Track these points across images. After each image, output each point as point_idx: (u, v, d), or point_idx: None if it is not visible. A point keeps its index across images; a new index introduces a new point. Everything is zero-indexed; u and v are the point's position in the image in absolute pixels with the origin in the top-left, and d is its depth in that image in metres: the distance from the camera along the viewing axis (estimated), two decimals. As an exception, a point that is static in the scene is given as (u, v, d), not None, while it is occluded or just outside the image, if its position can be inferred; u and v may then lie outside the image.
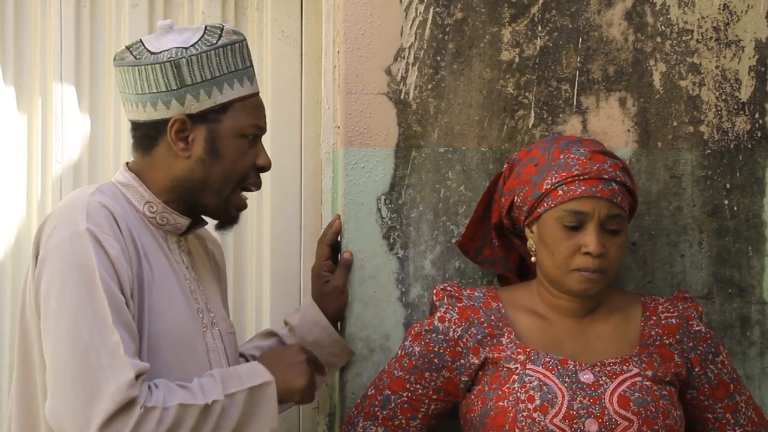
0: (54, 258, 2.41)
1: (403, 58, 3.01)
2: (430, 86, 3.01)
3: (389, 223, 3.00)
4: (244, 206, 2.64)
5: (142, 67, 2.52)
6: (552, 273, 2.72)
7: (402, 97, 3.01)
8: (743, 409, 2.82)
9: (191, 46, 2.52)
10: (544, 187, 2.69)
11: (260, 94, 2.65)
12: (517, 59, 3.02)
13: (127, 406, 2.34)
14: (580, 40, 3.03)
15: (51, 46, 3.17)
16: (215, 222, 2.66)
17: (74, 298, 2.37)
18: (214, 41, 2.54)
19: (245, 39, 2.60)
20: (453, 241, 2.99)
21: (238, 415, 2.46)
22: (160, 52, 2.52)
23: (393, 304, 3.00)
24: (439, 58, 3.01)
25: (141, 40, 2.56)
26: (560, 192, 2.67)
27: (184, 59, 2.50)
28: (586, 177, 2.67)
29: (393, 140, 3.01)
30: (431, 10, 3.01)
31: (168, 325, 2.50)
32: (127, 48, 2.56)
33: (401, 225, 3.00)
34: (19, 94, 3.18)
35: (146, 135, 2.57)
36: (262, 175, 2.66)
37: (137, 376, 2.36)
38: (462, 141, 3.02)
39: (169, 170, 2.57)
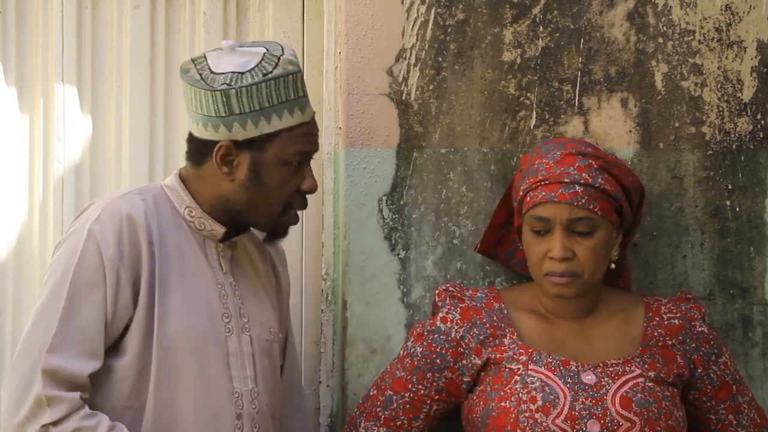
0: (60, 248, 2.58)
1: (405, 58, 3.01)
2: (431, 87, 3.01)
3: (391, 224, 3.00)
4: (294, 223, 2.69)
5: (198, 89, 2.58)
6: (534, 277, 2.76)
7: (403, 97, 3.01)
8: (746, 410, 2.82)
9: (247, 72, 2.57)
10: (520, 194, 2.73)
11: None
12: (518, 60, 3.02)
13: (36, 413, 2.45)
14: (582, 40, 3.03)
15: (53, 47, 3.16)
16: (263, 234, 2.72)
17: (47, 290, 2.52)
18: (270, 70, 2.57)
19: (300, 70, 2.62)
20: (455, 242, 2.99)
21: None
22: (219, 73, 2.57)
23: (395, 305, 3.00)
24: (440, 59, 3.01)
25: (205, 56, 2.63)
26: (528, 198, 2.71)
27: (233, 90, 2.55)
28: (547, 182, 2.69)
29: (394, 141, 3.01)
30: (433, 11, 3.01)
31: (181, 325, 2.56)
32: (192, 61, 2.63)
33: (403, 226, 3.00)
34: (20, 95, 3.17)
35: (197, 150, 2.64)
36: None
37: (59, 380, 2.44)
38: (463, 142, 3.02)
39: (215, 188, 2.63)
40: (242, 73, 2.56)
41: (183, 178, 2.67)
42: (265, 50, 2.60)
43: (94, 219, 2.53)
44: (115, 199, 2.59)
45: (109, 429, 2.47)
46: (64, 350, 2.46)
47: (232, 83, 2.55)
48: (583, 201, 2.67)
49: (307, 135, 2.63)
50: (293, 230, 3.18)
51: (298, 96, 2.61)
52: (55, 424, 2.43)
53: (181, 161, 3.01)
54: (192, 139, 2.66)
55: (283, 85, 2.58)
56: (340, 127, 3.02)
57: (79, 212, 2.65)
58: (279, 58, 2.59)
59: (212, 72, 2.58)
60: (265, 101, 2.57)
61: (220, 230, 2.65)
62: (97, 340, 2.50)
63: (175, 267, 2.59)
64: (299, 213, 2.69)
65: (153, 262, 2.56)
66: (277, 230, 2.68)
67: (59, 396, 2.44)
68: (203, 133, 2.61)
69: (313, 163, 3.18)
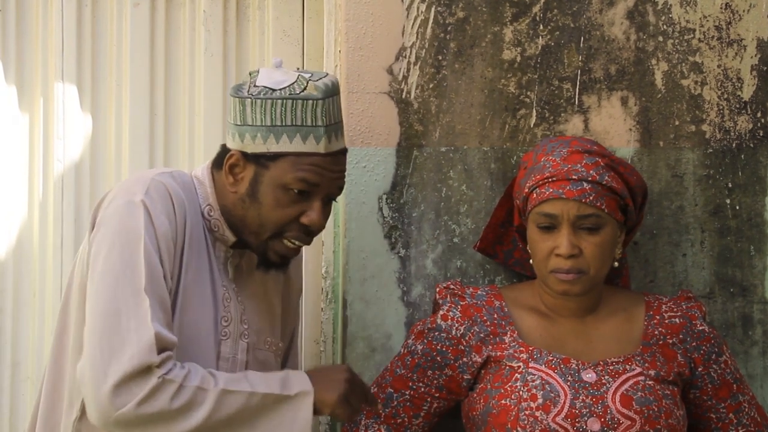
0: (108, 223, 2.49)
1: (405, 57, 3.01)
2: (431, 85, 3.01)
3: (391, 222, 3.00)
4: (287, 255, 2.61)
5: (230, 97, 2.59)
6: (538, 274, 2.75)
7: (403, 96, 3.01)
8: (746, 409, 2.81)
9: (278, 89, 2.54)
10: (525, 191, 2.72)
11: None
12: (518, 58, 3.02)
13: (145, 371, 2.38)
14: (582, 39, 3.03)
15: (53, 45, 3.17)
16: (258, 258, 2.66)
17: (117, 262, 2.45)
18: (297, 91, 2.54)
19: (326, 98, 2.55)
20: (455, 240, 2.99)
21: (259, 415, 2.46)
22: (257, 86, 2.56)
23: (395, 303, 3.00)
24: (440, 58, 3.01)
25: (259, 70, 2.61)
26: (534, 195, 2.71)
27: (249, 99, 2.54)
28: (554, 179, 2.69)
29: (394, 139, 3.01)
30: (433, 9, 3.01)
31: (182, 320, 2.54)
32: (250, 74, 2.62)
33: (403, 224, 3.00)
34: (20, 94, 3.17)
35: (220, 155, 2.63)
36: None
37: (161, 346, 2.39)
38: (464, 140, 3.02)
39: (223, 197, 2.61)
40: (272, 90, 2.54)
41: (213, 175, 2.64)
42: (301, 73, 2.58)
43: (144, 192, 2.49)
44: (155, 175, 2.55)
45: (204, 372, 2.44)
46: (158, 321, 2.42)
47: (255, 95, 2.54)
48: (591, 198, 2.67)
49: (316, 166, 2.55)
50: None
51: (316, 124, 2.55)
52: (167, 373, 2.39)
53: (180, 160, 3.01)
54: (222, 146, 2.65)
55: (301, 108, 2.53)
56: (340, 126, 3.02)
57: (103, 198, 2.58)
58: (308, 82, 2.55)
59: (254, 85, 2.57)
60: (277, 119, 2.53)
61: (231, 238, 2.63)
62: (170, 312, 2.48)
63: (193, 259, 2.57)
64: (301, 249, 2.62)
65: (183, 245, 2.54)
66: (267, 256, 2.61)
67: (163, 357, 2.40)
68: (227, 141, 2.61)
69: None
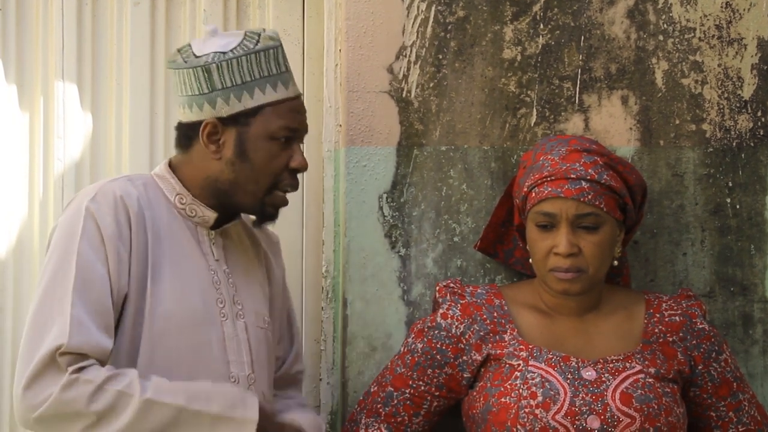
0: (56, 231, 2.56)
1: (405, 56, 3.01)
2: (431, 84, 3.01)
3: (391, 221, 3.00)
4: (282, 204, 2.67)
5: (182, 70, 2.61)
6: (538, 273, 2.75)
7: (404, 95, 3.01)
8: (746, 408, 2.81)
9: (229, 50, 2.60)
10: (524, 190, 2.73)
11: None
12: (519, 57, 3.02)
13: (54, 368, 2.39)
14: (582, 38, 3.03)
15: (53, 44, 3.17)
16: (254, 218, 2.71)
17: (52, 269, 2.50)
18: (252, 47, 2.60)
19: (281, 44, 2.65)
20: (455, 239, 2.99)
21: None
22: (202, 55, 2.60)
23: (395, 302, 3.00)
24: (441, 56, 3.01)
25: (190, 43, 2.65)
26: (533, 194, 2.71)
27: (214, 64, 2.58)
28: (553, 178, 2.69)
29: (395, 138, 3.01)
30: (433, 8, 3.01)
31: (175, 308, 2.55)
32: (178, 51, 2.66)
33: (403, 223, 3.00)
34: (20, 92, 3.17)
35: (185, 135, 2.66)
36: None
37: (77, 349, 2.40)
38: (464, 139, 3.02)
39: (203, 170, 2.64)
40: (224, 53, 2.59)
41: (173, 167, 2.68)
42: (245, 32, 2.64)
43: (90, 198, 2.54)
44: (107, 182, 2.61)
45: (134, 378, 2.42)
46: (85, 325, 2.43)
47: (213, 60, 2.58)
48: (590, 197, 2.67)
49: (292, 111, 2.63)
50: (294, 228, 3.20)
51: (281, 71, 2.63)
52: (82, 372, 2.40)
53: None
54: (179, 126, 2.68)
55: (264, 59, 2.60)
56: (341, 125, 3.02)
57: (67, 204, 2.64)
58: (259, 36, 2.61)
59: (195, 56, 2.61)
60: (246, 75, 2.58)
61: (211, 215, 2.64)
62: (110, 315, 2.48)
63: (167, 251, 2.59)
64: (290, 194, 2.67)
65: (145, 245, 2.56)
66: (264, 212, 2.65)
67: (75, 358, 2.41)
68: (189, 116, 2.63)
69: (314, 160, 3.20)
